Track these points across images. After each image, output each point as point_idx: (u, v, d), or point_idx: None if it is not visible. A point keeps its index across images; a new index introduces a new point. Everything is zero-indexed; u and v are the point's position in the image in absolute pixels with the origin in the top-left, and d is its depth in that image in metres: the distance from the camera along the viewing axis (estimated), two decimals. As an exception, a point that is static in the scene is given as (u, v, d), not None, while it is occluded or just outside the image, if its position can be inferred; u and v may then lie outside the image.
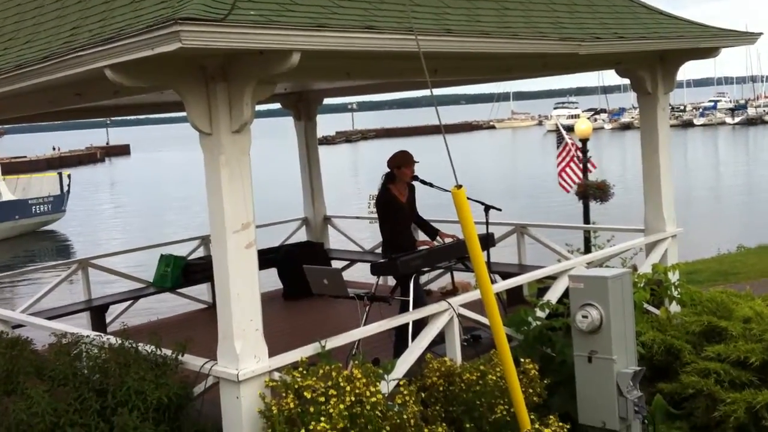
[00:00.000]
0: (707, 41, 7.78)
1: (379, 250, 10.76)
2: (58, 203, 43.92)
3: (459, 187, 4.75)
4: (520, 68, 7.05)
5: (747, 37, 8.34)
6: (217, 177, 5.00)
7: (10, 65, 5.22)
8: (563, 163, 16.26)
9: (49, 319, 8.47)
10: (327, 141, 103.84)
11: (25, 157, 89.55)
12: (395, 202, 7.62)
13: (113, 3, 4.96)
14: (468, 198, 4.98)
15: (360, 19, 4.83)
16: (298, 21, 4.48)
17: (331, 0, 4.93)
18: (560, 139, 16.86)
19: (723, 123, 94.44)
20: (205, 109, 4.91)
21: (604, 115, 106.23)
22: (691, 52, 7.94)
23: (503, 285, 7.45)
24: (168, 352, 5.71)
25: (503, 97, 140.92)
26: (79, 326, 7.66)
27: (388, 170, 7.68)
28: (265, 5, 4.47)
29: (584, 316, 5.80)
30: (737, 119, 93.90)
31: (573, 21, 6.81)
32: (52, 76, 4.75)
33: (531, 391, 5.92)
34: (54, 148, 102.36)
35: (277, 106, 11.45)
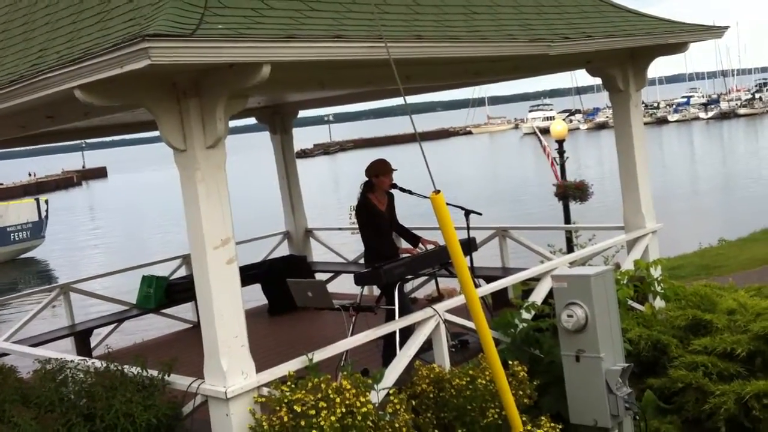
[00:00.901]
0: (675, 37, 7.84)
1: (362, 261, 10.74)
2: (37, 229, 43.54)
3: (437, 192, 4.74)
4: (492, 71, 7.07)
5: (714, 32, 8.40)
6: (194, 193, 4.96)
7: (-23, 91, 5.14)
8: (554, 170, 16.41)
9: (34, 346, 8.38)
10: (305, 154, 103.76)
11: (1, 184, 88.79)
12: (375, 210, 7.61)
13: (80, 24, 4.91)
14: (448, 204, 4.97)
15: (329, 29, 4.81)
16: (267, 33, 4.46)
17: (300, 11, 4.91)
18: (542, 142, 17.06)
19: (697, 118, 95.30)
20: (178, 126, 4.87)
21: (579, 116, 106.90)
22: (660, 48, 7.99)
23: (488, 288, 7.44)
24: (154, 372, 5.65)
25: (478, 102, 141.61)
26: (64, 352, 7.58)
27: (367, 179, 7.66)
28: (234, 18, 4.45)
29: (569, 316, 5.80)
30: (711, 114, 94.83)
31: (542, 22, 6.85)
32: (21, 99, 4.70)
33: (521, 393, 5.90)
34: (30, 174, 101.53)
35: (252, 121, 11.41)
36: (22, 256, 42.86)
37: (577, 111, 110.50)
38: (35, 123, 5.83)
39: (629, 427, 5.95)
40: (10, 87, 4.73)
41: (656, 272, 8.06)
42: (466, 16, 6.19)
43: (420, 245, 7.89)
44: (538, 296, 7.31)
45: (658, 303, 8.00)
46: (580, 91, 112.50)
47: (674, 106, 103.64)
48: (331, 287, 10.79)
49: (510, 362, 6.02)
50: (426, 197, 5.28)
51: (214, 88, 4.80)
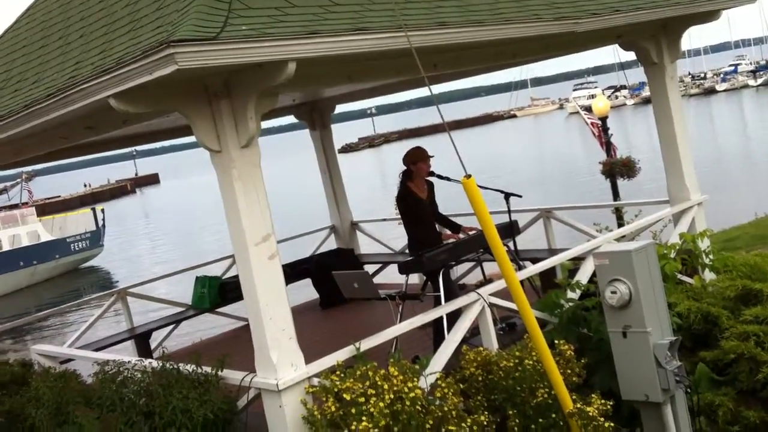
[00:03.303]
0: (706, 5, 7.70)
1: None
2: (96, 239, 44.69)
3: (468, 176, 4.77)
4: (522, 53, 7.04)
5: None
6: (232, 193, 5.07)
7: (20, 106, 5.35)
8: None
9: (97, 350, 8.63)
10: (350, 148, 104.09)
11: (59, 196, 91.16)
12: (415, 198, 7.66)
13: (112, 35, 5.05)
14: (487, 187, 5.01)
15: (351, 22, 4.86)
16: (290, 30, 4.54)
17: (322, 7, 4.97)
18: (590, 122, 16.88)
19: (746, 86, 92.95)
20: (212, 127, 4.98)
21: (624, 92, 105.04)
22: (692, 17, 7.86)
23: (531, 270, 7.42)
24: (208, 369, 5.80)
25: (521, 84, 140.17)
26: (126, 355, 7.79)
27: (405, 168, 7.71)
28: (257, 19, 4.53)
29: (613, 292, 5.77)
30: (760, 81, 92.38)
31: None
32: (60, 111, 4.86)
33: (570, 371, 5.89)
34: (85, 185, 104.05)
35: (289, 120, 11.53)
36: (84, 265, 43.98)
37: (623, 86, 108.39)
38: (76, 134, 6.00)
39: (681, 400, 5.89)
40: (48, 100, 4.89)
41: (703, 244, 7.95)
42: (490, -2, 6.16)
43: (461, 232, 7.91)
44: (583, 275, 7.27)
45: (708, 275, 7.89)
46: (624, 66, 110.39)
47: (722, 75, 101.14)
48: (380, 278, 10.89)
49: (556, 342, 6.02)
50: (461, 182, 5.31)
51: (243, 88, 4.89)
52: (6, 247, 40.41)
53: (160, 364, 5.99)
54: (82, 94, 4.55)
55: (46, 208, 64.34)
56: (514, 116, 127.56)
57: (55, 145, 6.43)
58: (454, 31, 5.31)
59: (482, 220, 4.92)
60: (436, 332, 7.18)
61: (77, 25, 5.82)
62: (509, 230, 7.78)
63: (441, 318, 6.70)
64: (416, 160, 7.65)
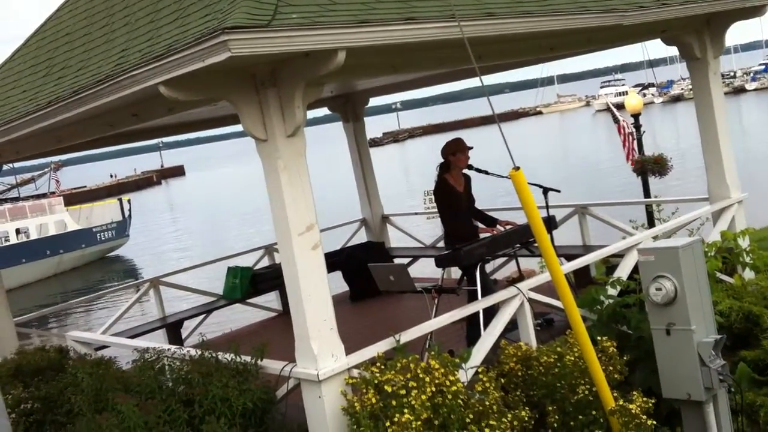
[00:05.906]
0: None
1: (440, 244, 10.74)
2: (122, 229, 45.06)
3: (517, 169, 4.71)
4: (566, 45, 6.97)
5: None
6: (277, 182, 5.06)
7: (67, 92, 5.36)
8: (627, 148, 16.05)
9: (130, 338, 8.67)
10: (374, 143, 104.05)
11: (85, 186, 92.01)
12: (453, 191, 7.59)
13: (159, 22, 5.05)
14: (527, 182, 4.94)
15: (400, 12, 4.82)
16: (340, 19, 4.52)
17: (371, -4, 4.95)
18: (616, 120, 16.67)
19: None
20: (259, 116, 4.97)
21: (652, 89, 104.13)
22: (737, 12, 7.76)
23: (570, 266, 7.35)
24: (247, 358, 5.80)
25: (547, 81, 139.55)
26: (157, 343, 7.81)
27: (443, 160, 7.65)
28: (307, 7, 4.51)
29: (658, 289, 5.69)
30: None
31: (615, -8, 6.71)
32: (109, 98, 4.86)
33: (611, 369, 5.82)
34: (111, 176, 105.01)
35: (318, 113, 11.54)
36: (109, 254, 44.37)
37: (651, 84, 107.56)
38: (122, 121, 6.02)
39: (724, 399, 5.81)
40: (97, 87, 4.90)
41: (744, 243, 7.84)
42: (537, -11, 6.10)
43: (498, 226, 7.85)
44: (622, 272, 7.20)
45: (748, 274, 7.78)
46: (652, 64, 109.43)
47: (752, 74, 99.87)
48: (411, 271, 10.85)
49: (598, 338, 5.95)
50: (503, 176, 5.25)
51: (291, 77, 4.87)
52: (33, 236, 40.86)
53: (199, 353, 6.00)
54: (132, 81, 4.55)
55: (72, 198, 64.91)
56: (540, 113, 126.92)
57: (100, 131, 6.45)
58: (502, 21, 5.26)
59: (529, 214, 4.86)
60: (470, 326, 7.13)
61: (121, 14, 5.84)
62: (547, 225, 7.69)
63: (476, 312, 6.65)
64: (455, 151, 7.58)
